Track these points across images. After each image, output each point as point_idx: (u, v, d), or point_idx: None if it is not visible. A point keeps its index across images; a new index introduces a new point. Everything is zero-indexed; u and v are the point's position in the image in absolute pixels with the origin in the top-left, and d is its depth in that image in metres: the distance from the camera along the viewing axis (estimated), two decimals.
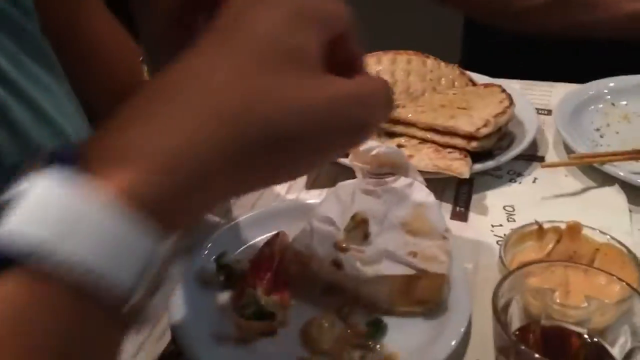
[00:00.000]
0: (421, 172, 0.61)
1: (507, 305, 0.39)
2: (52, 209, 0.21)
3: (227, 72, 0.26)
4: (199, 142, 0.24)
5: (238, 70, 0.26)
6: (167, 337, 0.46)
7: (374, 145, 0.53)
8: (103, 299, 0.22)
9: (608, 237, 0.49)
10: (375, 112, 0.30)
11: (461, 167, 0.60)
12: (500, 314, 0.37)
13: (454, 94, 0.73)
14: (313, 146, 0.28)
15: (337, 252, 0.47)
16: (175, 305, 0.46)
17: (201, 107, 0.25)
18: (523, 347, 0.35)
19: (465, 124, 0.64)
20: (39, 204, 0.21)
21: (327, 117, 0.27)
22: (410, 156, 0.63)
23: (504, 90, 0.71)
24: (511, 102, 0.69)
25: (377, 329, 0.45)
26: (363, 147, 0.52)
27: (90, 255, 0.21)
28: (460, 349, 0.44)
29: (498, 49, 1.02)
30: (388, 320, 0.46)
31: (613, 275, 0.39)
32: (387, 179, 0.57)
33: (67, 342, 0.21)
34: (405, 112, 0.68)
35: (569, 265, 0.42)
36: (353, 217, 0.51)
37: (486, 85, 0.75)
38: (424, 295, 0.46)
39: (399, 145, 0.65)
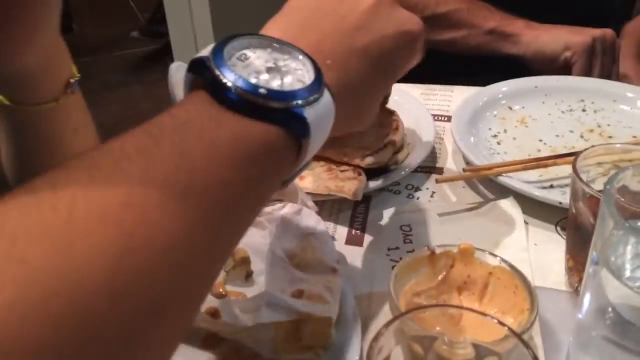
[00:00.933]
0: (313, 195, 0.57)
1: (387, 357, 0.35)
2: (324, 108, 0.34)
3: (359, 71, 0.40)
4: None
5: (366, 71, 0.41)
6: None
7: None
8: (297, 164, 0.35)
9: (499, 259, 0.47)
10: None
11: (353, 188, 0.57)
12: None
13: None
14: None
15: (212, 299, 0.43)
16: None
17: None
18: None
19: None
20: (321, 104, 0.34)
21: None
22: (302, 177, 0.59)
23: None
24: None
25: None
26: None
27: (318, 136, 0.34)
28: None
29: None
30: None
31: (493, 318, 0.36)
32: (273, 207, 0.53)
33: (272, 177, 0.33)
34: None
35: (458, 307, 0.40)
36: (233, 255, 0.47)
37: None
38: (311, 340, 0.43)
39: None
